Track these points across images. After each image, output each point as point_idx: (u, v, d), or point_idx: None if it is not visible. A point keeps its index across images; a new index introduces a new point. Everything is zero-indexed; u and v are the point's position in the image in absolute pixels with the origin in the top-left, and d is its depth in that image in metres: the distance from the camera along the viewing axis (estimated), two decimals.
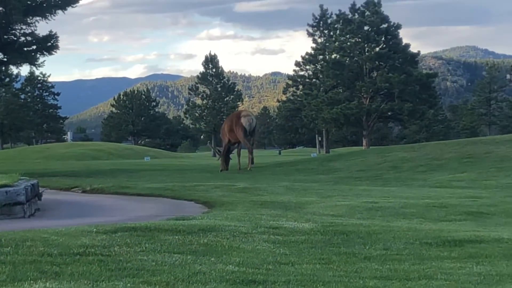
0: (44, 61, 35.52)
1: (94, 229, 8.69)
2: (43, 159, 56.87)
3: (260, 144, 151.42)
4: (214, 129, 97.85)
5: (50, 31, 34.33)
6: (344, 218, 11.86)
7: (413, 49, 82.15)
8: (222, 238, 8.48)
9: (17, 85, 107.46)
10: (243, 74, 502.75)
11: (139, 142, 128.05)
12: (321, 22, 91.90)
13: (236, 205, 13.49)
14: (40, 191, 14.89)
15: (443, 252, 8.00)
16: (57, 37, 34.23)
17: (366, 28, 79.54)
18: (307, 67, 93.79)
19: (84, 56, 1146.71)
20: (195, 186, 18.90)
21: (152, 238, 8.22)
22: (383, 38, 79.62)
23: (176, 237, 8.39)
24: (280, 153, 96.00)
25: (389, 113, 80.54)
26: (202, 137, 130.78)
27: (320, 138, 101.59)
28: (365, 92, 78.24)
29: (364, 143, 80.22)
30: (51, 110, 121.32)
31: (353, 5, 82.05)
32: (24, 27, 33.67)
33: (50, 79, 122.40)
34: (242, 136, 30.58)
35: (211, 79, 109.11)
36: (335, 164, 30.45)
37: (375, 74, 78.93)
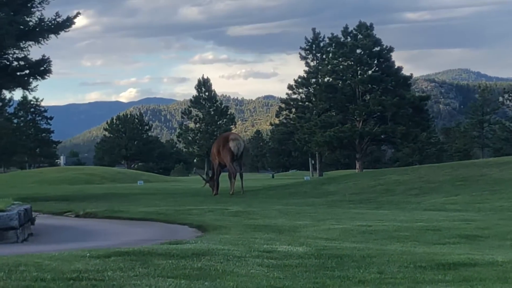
0: (37, 85, 35.49)
1: (88, 254, 8.65)
2: (36, 184, 56.75)
3: (253, 168, 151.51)
4: (207, 152, 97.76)
5: (43, 56, 34.31)
6: (338, 241, 11.83)
7: (406, 72, 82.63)
8: (216, 262, 8.44)
9: (10, 110, 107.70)
10: (236, 97, 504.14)
11: (132, 166, 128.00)
12: (314, 46, 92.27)
13: (230, 229, 13.44)
14: (33, 216, 14.82)
15: (437, 275, 7.98)
16: (50, 61, 34.21)
17: (358, 51, 79.77)
18: (300, 90, 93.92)
19: (77, 80, 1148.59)
20: (188, 210, 18.85)
21: (146, 263, 8.18)
22: (375, 61, 79.91)
23: (170, 261, 8.35)
24: (273, 177, 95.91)
25: (382, 136, 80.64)
26: (195, 160, 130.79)
27: (313, 161, 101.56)
28: (358, 115, 78.37)
29: (357, 166, 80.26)
30: (44, 134, 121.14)
31: (346, 28, 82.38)
32: (17, 51, 33.64)
33: (43, 103, 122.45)
34: (228, 160, 30.23)
35: (204, 102, 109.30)
36: (328, 187, 30.42)
37: (368, 97, 79.07)
